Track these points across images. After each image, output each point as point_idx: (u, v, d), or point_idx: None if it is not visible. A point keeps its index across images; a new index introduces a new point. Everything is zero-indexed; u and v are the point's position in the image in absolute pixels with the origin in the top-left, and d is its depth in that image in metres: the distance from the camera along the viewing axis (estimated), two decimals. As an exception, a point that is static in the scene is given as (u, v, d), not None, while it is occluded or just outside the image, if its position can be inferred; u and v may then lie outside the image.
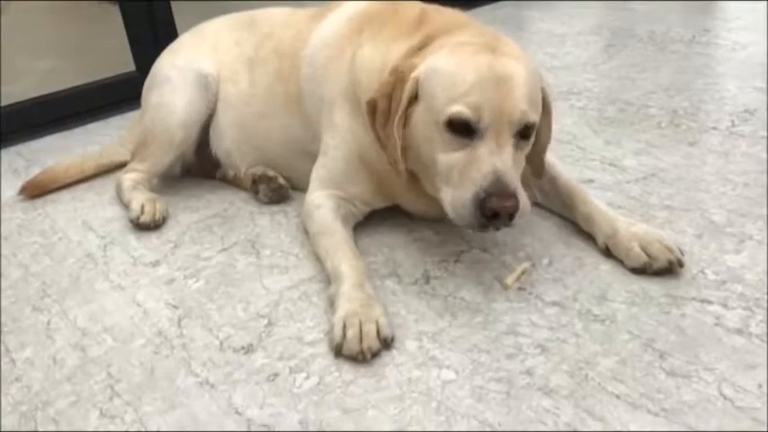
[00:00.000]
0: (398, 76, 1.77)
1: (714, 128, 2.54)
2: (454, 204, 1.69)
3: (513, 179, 1.67)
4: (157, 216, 2.25)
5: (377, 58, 1.92)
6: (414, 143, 1.79)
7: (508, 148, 1.68)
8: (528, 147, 1.79)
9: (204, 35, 2.50)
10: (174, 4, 3.35)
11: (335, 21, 2.15)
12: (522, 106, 1.68)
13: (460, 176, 1.68)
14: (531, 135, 1.77)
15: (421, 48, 1.84)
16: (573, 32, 3.79)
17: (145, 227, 2.23)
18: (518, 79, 1.69)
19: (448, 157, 1.71)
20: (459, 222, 1.71)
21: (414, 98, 1.75)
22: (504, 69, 1.69)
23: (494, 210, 1.62)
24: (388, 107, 1.78)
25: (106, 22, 4.14)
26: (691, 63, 3.19)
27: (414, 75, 1.74)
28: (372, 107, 1.82)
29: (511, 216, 1.65)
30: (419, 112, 1.76)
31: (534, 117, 1.73)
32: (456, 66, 1.71)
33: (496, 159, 1.65)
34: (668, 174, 2.26)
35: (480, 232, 1.85)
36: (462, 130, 1.68)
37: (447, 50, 1.75)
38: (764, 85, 2.84)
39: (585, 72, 3.20)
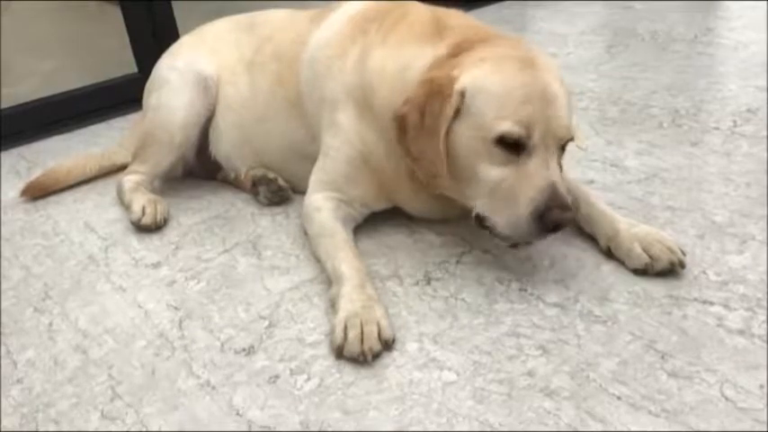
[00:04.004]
0: (434, 89, 1.73)
1: (716, 128, 2.54)
2: (508, 223, 1.71)
3: (566, 190, 1.71)
4: (158, 218, 2.25)
5: (390, 62, 1.90)
6: (452, 155, 1.76)
7: (554, 162, 1.72)
8: (563, 158, 1.81)
9: (204, 37, 2.50)
10: (175, 6, 3.34)
11: (336, 21, 2.15)
12: (566, 122, 1.73)
13: (511, 193, 1.70)
14: (566, 147, 1.80)
15: (451, 57, 1.80)
16: (575, 32, 3.79)
17: (146, 228, 2.23)
18: (561, 96, 1.73)
19: (494, 171, 1.71)
20: (514, 237, 1.74)
21: (455, 112, 1.72)
22: (548, 87, 1.72)
23: (556, 221, 1.66)
24: (421, 121, 1.74)
25: (107, 24, 4.14)
26: (692, 63, 3.19)
27: (458, 89, 1.71)
28: (402, 121, 1.77)
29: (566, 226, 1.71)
30: (461, 126, 1.73)
31: (573, 133, 1.77)
32: (503, 81, 1.70)
33: (548, 173, 1.68)
34: (670, 174, 2.26)
35: (523, 245, 1.81)
36: (511, 146, 1.69)
37: (491, 64, 1.73)
38: (766, 85, 2.83)
39: (587, 72, 3.20)
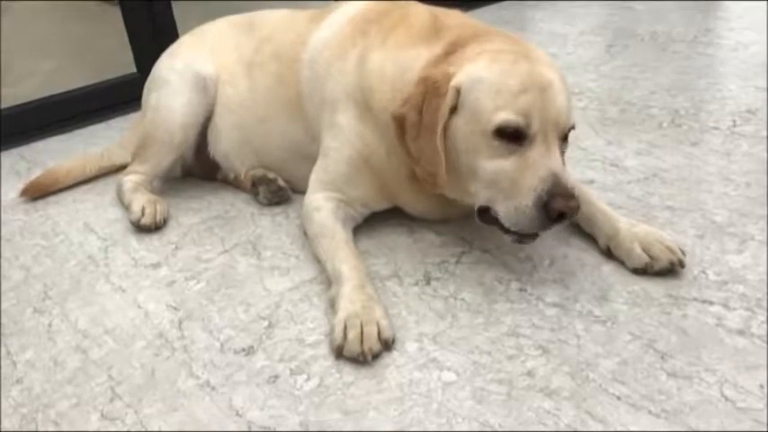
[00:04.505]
0: (430, 86, 1.74)
1: (716, 128, 2.54)
2: (511, 213, 1.69)
3: (570, 179, 1.69)
4: (158, 218, 2.25)
5: (389, 64, 1.90)
6: (452, 153, 1.76)
7: (557, 151, 1.71)
8: (566, 150, 1.79)
9: (203, 37, 2.50)
10: (175, 6, 3.35)
11: (336, 22, 2.15)
12: (566, 111, 1.72)
13: (513, 184, 1.68)
14: (568, 138, 1.78)
15: (447, 55, 1.81)
16: (575, 33, 3.79)
17: (146, 229, 2.23)
18: (558, 86, 1.72)
19: (495, 163, 1.70)
20: (518, 229, 1.70)
21: (452, 108, 1.73)
22: (544, 76, 1.71)
23: (560, 210, 1.63)
24: (419, 119, 1.74)
25: (107, 24, 4.14)
26: (692, 63, 3.19)
27: (453, 84, 1.71)
28: (400, 121, 1.78)
29: (571, 215, 1.68)
30: (459, 122, 1.73)
31: (574, 122, 1.76)
32: (499, 74, 1.70)
33: (550, 162, 1.67)
34: (670, 174, 2.26)
35: (528, 240, 1.77)
36: (511, 136, 1.68)
37: (486, 59, 1.73)
38: (766, 85, 2.83)
39: (587, 72, 3.20)
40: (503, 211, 1.71)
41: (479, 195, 1.76)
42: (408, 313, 1.75)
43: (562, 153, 1.74)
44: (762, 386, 1.43)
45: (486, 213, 1.77)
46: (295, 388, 1.55)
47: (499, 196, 1.71)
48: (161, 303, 1.89)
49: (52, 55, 4.42)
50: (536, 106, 1.67)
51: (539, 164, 1.66)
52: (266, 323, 1.77)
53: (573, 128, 1.77)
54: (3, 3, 5.11)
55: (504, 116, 1.67)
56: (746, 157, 2.31)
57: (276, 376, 1.59)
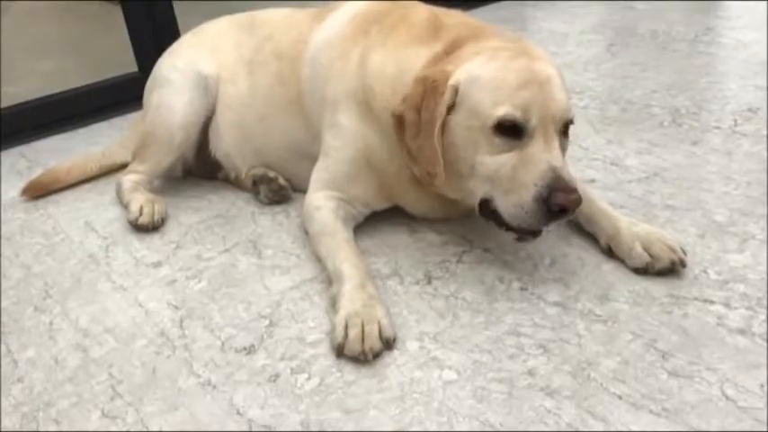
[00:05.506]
0: (429, 85, 1.75)
1: (716, 127, 2.54)
2: (511, 209, 1.68)
3: (570, 173, 1.69)
4: (156, 217, 2.24)
5: (390, 64, 1.90)
6: (450, 151, 1.76)
7: (556, 145, 1.70)
8: (567, 144, 1.79)
9: (204, 36, 2.50)
10: (176, 5, 3.35)
11: (337, 21, 2.15)
12: (564, 105, 1.73)
13: (513, 179, 1.68)
14: (568, 133, 1.78)
15: (446, 54, 1.82)
16: (575, 32, 3.79)
17: (143, 228, 2.23)
18: (556, 80, 1.74)
19: (494, 159, 1.70)
20: (520, 225, 1.70)
21: (450, 106, 1.74)
22: (542, 71, 1.72)
23: (562, 205, 1.62)
24: (418, 118, 1.75)
25: (108, 23, 4.15)
26: (693, 62, 3.19)
27: (451, 83, 1.72)
28: (399, 120, 1.79)
29: (573, 210, 1.67)
30: (458, 119, 1.74)
31: (573, 115, 1.77)
32: (497, 70, 1.71)
33: (549, 156, 1.67)
34: (670, 173, 2.26)
35: (530, 238, 1.76)
36: (510, 131, 1.68)
37: (484, 56, 1.75)
38: (766, 84, 2.83)
39: (587, 71, 3.20)
40: (503, 206, 1.71)
41: (479, 191, 1.76)
42: (409, 312, 1.75)
43: (563, 149, 1.74)
44: (762, 385, 1.43)
45: (486, 206, 1.77)
46: (296, 387, 1.55)
47: (499, 192, 1.71)
48: (162, 302, 1.89)
49: (52, 54, 4.42)
50: (535, 101, 1.68)
51: (538, 159, 1.66)
52: (267, 322, 1.77)
53: (572, 122, 1.77)
54: (3, 3, 5.11)
55: (504, 110, 1.67)
56: (747, 157, 2.31)
57: (277, 375, 1.59)
